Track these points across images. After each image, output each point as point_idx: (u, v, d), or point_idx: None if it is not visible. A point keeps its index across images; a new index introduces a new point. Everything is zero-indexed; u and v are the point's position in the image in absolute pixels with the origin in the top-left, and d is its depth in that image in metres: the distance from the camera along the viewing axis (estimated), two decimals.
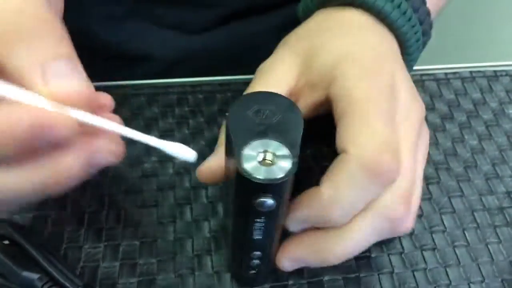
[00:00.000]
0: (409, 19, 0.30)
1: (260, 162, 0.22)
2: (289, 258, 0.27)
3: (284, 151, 0.22)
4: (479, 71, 0.42)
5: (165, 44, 0.45)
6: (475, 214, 0.33)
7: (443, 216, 0.33)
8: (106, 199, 0.32)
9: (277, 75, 0.29)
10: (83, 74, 0.23)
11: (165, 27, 0.44)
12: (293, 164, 0.22)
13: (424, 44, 0.33)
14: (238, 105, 0.24)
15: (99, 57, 0.46)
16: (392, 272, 0.30)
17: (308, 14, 0.34)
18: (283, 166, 0.22)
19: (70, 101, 0.22)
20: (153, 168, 0.34)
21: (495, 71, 0.42)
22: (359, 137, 0.24)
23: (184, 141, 0.36)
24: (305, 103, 0.28)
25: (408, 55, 0.32)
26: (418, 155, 0.28)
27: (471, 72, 0.42)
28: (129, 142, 0.25)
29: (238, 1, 0.43)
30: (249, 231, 0.24)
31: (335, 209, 0.25)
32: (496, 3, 0.94)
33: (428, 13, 0.32)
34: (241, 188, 0.22)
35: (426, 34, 0.32)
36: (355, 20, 0.31)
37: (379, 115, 0.25)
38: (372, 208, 0.26)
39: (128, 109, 0.37)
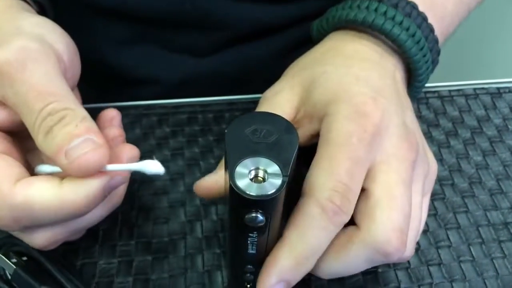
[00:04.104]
0: (422, 48, 0.31)
1: (252, 179, 0.23)
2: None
3: (276, 169, 0.23)
4: (482, 88, 0.43)
5: (173, 67, 0.46)
6: (480, 229, 0.34)
7: (448, 232, 0.34)
8: (119, 216, 0.34)
9: (278, 105, 0.30)
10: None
11: (174, 51, 0.46)
12: (282, 181, 0.23)
13: (432, 70, 0.34)
14: (236, 124, 0.25)
15: (107, 80, 0.47)
16: (398, 287, 0.31)
17: (322, 33, 0.35)
18: (274, 183, 0.23)
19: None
20: (164, 186, 0.35)
21: (498, 88, 0.43)
22: (317, 179, 0.26)
23: (194, 159, 0.37)
24: (303, 133, 0.29)
25: (417, 82, 0.33)
26: (415, 186, 0.28)
27: (474, 89, 0.43)
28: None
29: (244, 24, 0.44)
30: (243, 246, 0.25)
31: (299, 251, 0.25)
32: (499, 20, 0.95)
33: (436, 41, 0.32)
34: (234, 203, 0.23)
35: (434, 62, 0.33)
36: (360, 52, 0.31)
37: (346, 161, 0.25)
38: (365, 241, 0.26)
39: (140, 129, 0.39)
